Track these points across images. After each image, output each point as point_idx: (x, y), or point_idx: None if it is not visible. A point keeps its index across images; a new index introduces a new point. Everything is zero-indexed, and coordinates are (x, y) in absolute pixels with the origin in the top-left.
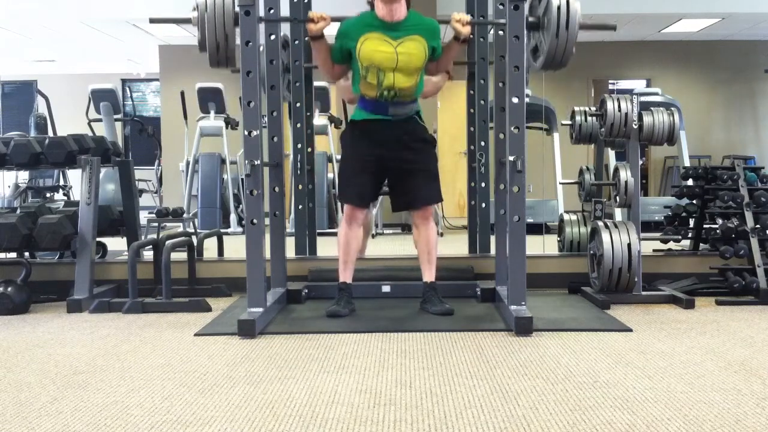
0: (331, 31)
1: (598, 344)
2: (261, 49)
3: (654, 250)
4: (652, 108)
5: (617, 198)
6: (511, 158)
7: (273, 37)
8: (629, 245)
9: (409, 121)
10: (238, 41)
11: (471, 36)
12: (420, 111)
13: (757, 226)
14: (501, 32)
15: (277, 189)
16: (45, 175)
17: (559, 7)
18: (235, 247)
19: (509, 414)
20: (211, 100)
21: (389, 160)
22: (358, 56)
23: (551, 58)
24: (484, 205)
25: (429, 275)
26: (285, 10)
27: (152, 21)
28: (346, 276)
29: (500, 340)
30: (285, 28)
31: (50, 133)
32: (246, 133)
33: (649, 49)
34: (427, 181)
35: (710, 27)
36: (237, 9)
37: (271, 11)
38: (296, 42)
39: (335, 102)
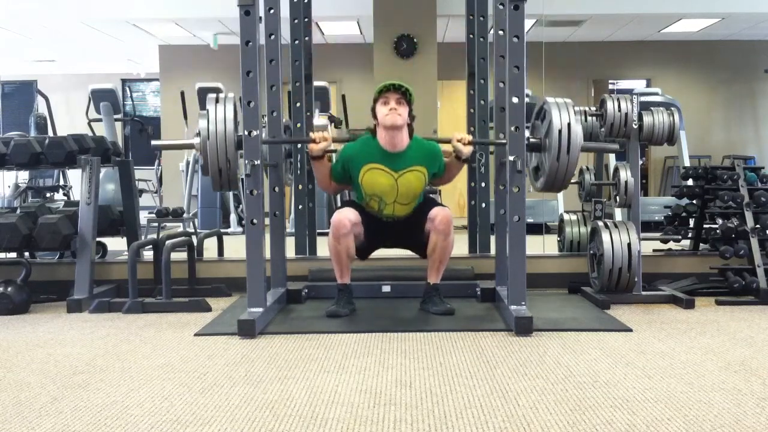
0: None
1: (598, 344)
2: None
3: (654, 250)
4: (652, 108)
5: (617, 198)
6: (511, 158)
7: (273, 37)
8: (629, 245)
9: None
10: (240, 164)
11: (474, 153)
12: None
13: (757, 226)
14: (501, 32)
15: (277, 189)
16: (45, 175)
17: (560, 131)
18: (235, 247)
19: (509, 414)
20: None
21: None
22: (361, 185)
23: (552, 179)
24: (484, 205)
25: (434, 278)
26: (285, 11)
27: (155, 148)
28: (344, 279)
29: (500, 340)
30: (285, 29)
31: (50, 133)
32: (246, 133)
33: (649, 49)
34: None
35: (710, 27)
36: (240, 135)
37: (271, 11)
38: (296, 42)
39: (335, 102)
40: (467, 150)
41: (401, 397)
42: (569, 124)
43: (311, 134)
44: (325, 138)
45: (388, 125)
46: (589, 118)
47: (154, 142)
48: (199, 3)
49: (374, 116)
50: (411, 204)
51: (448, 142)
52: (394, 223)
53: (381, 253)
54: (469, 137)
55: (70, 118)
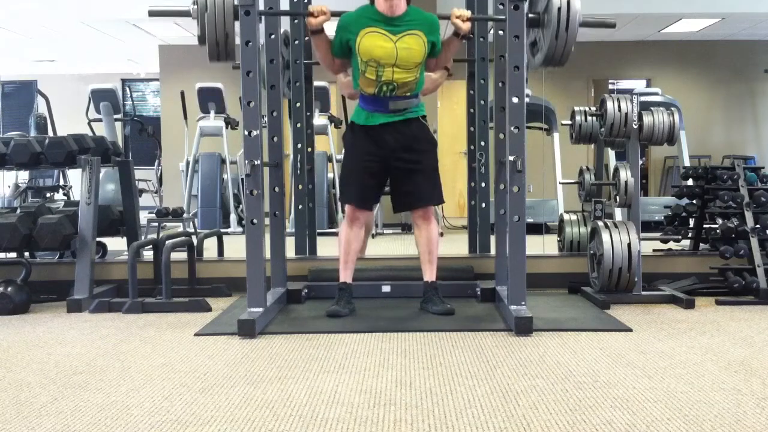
0: (331, 26)
1: (598, 344)
2: (261, 44)
3: (654, 250)
4: (652, 108)
5: (617, 198)
6: (511, 158)
7: (273, 36)
8: (629, 245)
9: (410, 121)
10: (237, 38)
11: (471, 35)
12: (423, 108)
13: (757, 226)
14: (501, 32)
15: (277, 189)
16: (45, 175)
17: (560, 9)
18: (235, 247)
19: (509, 414)
20: (211, 100)
21: (391, 161)
22: (358, 51)
23: (551, 56)
24: (484, 205)
25: (430, 275)
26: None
27: (151, 14)
28: (346, 276)
29: (500, 340)
30: (285, 25)
31: (50, 133)
32: (246, 133)
33: (649, 49)
34: (428, 181)
35: (710, 27)
36: (236, 2)
37: (271, 10)
38: (296, 42)
39: (335, 102)
40: (466, 26)
41: (401, 397)
42: (568, 0)
43: (309, 8)
44: (323, 11)
45: None
46: (589, 118)
47: (150, 8)
48: None
49: None
50: (411, 74)
51: (447, 18)
52: (391, 129)
53: (381, 253)
54: (468, 13)
55: (71, 119)
